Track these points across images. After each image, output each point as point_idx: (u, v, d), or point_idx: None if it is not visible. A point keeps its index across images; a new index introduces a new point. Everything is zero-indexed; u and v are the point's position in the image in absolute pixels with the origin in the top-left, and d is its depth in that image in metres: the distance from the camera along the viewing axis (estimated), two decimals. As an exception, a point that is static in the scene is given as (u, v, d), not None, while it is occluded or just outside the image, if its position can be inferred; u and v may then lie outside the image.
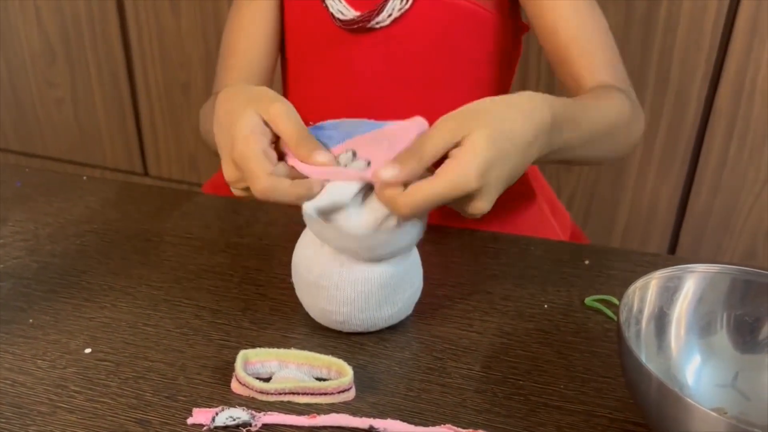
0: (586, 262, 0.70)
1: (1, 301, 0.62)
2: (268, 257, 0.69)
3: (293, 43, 0.86)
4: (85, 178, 0.84)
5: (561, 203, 0.97)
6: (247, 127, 0.53)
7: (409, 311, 0.60)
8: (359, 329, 0.58)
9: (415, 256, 0.59)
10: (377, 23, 0.76)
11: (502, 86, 0.86)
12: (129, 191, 0.81)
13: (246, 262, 0.68)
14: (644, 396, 0.45)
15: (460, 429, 0.49)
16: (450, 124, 0.51)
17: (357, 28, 0.77)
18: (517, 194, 0.85)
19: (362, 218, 0.52)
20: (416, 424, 0.50)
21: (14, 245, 0.70)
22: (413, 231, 0.54)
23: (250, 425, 0.49)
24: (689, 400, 0.41)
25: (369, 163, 0.52)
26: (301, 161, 0.52)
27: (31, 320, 0.60)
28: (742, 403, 0.51)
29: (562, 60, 0.75)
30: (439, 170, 0.50)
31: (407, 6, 0.76)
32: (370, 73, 0.81)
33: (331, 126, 0.55)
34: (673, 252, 1.42)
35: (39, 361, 0.55)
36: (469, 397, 0.53)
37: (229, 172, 0.55)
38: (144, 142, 1.80)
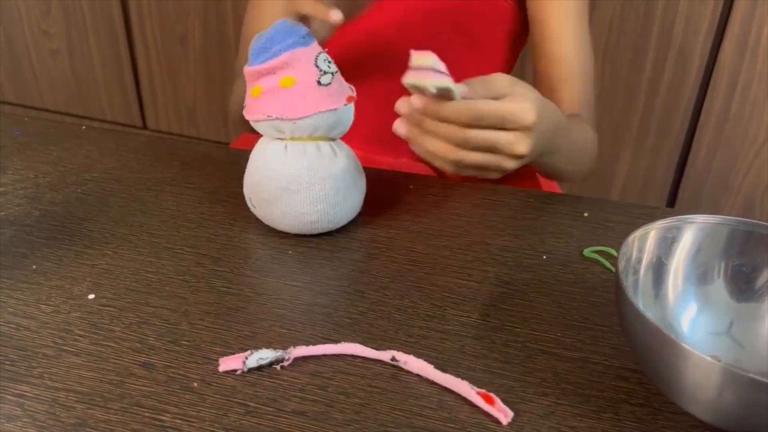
0: (585, 214, 0.70)
1: (3, 247, 0.62)
2: (268, 207, 0.69)
3: None
4: (84, 127, 0.84)
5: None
6: None
7: (360, 207, 0.67)
8: (329, 226, 0.64)
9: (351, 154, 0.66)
10: None
11: (509, 67, 0.90)
12: (128, 141, 0.81)
13: (246, 212, 0.69)
14: (640, 342, 0.46)
15: (475, 387, 0.48)
16: (506, 80, 0.59)
17: None
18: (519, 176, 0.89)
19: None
20: (415, 368, 0.50)
21: (15, 193, 0.70)
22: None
23: (283, 360, 0.50)
24: (684, 345, 0.42)
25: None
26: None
27: (34, 266, 0.60)
28: (736, 350, 0.52)
29: (549, 73, 0.82)
30: (504, 99, 0.58)
31: None
32: (383, 39, 0.85)
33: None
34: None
35: (43, 306, 0.56)
36: (468, 343, 0.54)
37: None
38: (142, 96, 1.78)
